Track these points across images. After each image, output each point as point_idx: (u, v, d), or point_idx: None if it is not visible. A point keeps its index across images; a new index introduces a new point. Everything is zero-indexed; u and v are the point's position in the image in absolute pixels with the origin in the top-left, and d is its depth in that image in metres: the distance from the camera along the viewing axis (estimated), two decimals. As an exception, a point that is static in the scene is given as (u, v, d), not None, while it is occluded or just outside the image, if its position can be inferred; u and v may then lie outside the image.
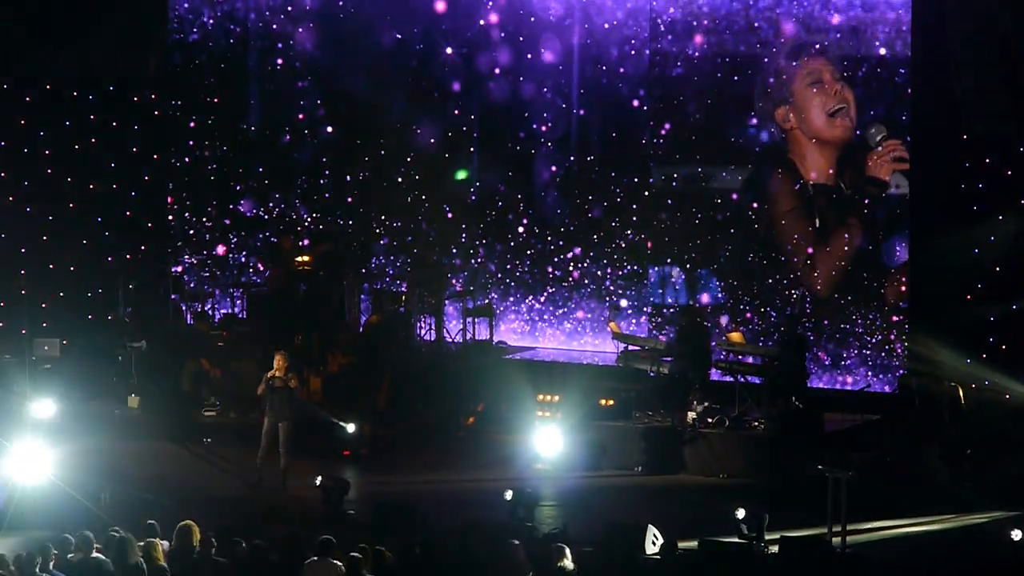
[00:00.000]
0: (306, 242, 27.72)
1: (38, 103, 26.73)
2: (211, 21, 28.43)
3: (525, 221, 27.76)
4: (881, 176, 25.49)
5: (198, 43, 28.45)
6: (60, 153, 26.83)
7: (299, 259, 26.67)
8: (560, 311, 27.59)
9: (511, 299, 27.82)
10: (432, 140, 27.86)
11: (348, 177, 28.48)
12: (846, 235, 25.55)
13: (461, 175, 27.93)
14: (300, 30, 28.27)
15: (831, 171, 25.69)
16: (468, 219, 28.04)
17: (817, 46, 25.50)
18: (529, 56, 27.33)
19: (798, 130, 25.77)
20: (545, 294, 27.64)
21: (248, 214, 28.73)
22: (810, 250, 25.78)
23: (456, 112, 27.81)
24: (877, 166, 25.42)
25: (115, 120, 27.40)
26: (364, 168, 28.34)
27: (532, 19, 27.24)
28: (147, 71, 27.87)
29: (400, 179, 28.18)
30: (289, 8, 28.26)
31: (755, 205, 26.17)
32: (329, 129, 28.38)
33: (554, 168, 27.54)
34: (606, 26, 26.88)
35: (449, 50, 27.68)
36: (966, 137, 23.52)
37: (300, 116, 28.48)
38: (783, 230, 26.01)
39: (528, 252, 27.76)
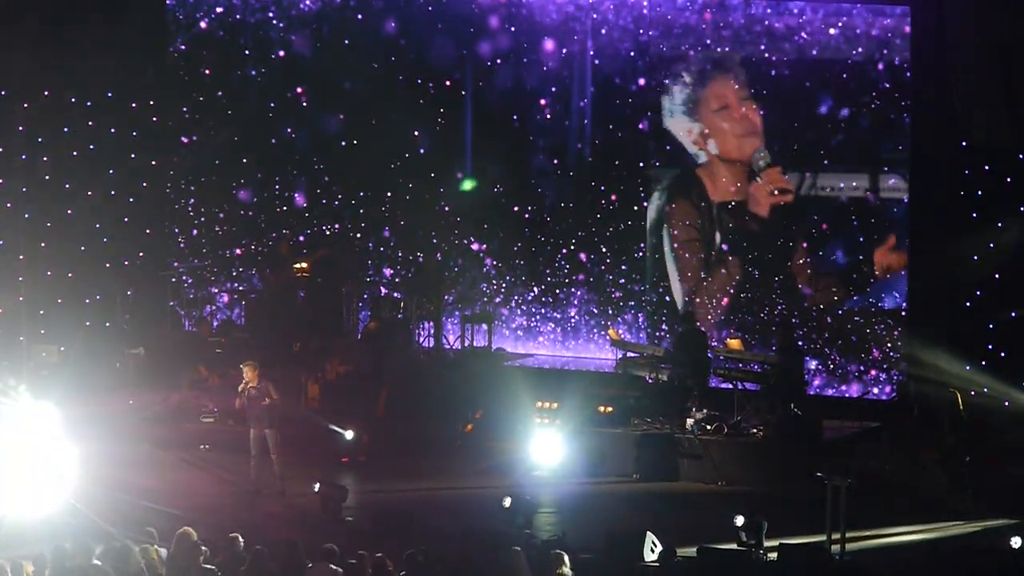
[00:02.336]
0: (301, 239, 27.81)
1: (36, 110, 26.72)
2: (208, 21, 28.43)
3: (526, 215, 27.72)
4: (759, 212, 25.65)
5: (195, 47, 28.43)
6: (58, 160, 26.81)
7: (297, 266, 26.66)
8: (557, 304, 27.54)
9: (507, 290, 27.77)
10: (433, 134, 27.87)
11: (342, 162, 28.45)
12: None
13: (468, 185, 27.89)
14: (295, 36, 28.27)
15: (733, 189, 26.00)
16: (464, 216, 28.00)
17: (723, 65, 25.70)
18: (525, 48, 27.34)
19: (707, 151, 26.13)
20: (542, 286, 27.57)
21: (249, 200, 28.63)
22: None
23: (450, 87, 27.73)
24: (755, 200, 25.62)
25: (113, 127, 27.40)
26: (362, 172, 28.31)
27: (534, 19, 27.24)
28: (145, 78, 27.88)
29: (398, 178, 28.19)
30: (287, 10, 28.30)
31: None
32: (325, 128, 28.40)
33: (556, 161, 27.48)
34: (605, 29, 26.90)
35: (438, 33, 27.70)
36: (965, 145, 23.53)
37: (296, 115, 28.50)
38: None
39: (520, 245, 27.71)
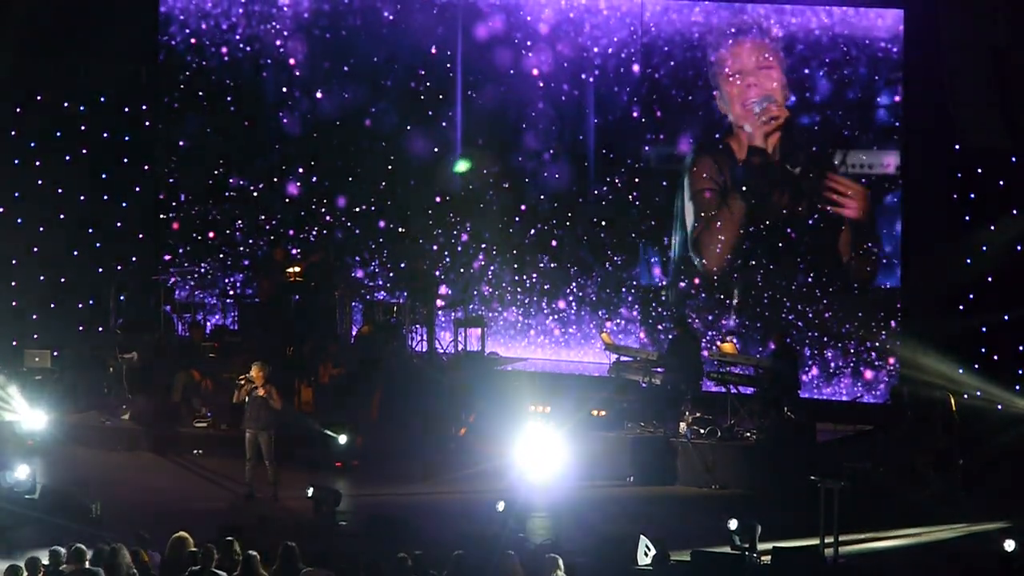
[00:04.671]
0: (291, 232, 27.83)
1: (29, 114, 26.71)
2: (203, 27, 28.41)
3: (522, 207, 27.73)
4: (757, 143, 25.81)
5: (190, 53, 28.42)
6: (51, 164, 26.80)
7: (291, 270, 26.62)
8: (552, 292, 27.51)
9: (498, 277, 27.78)
10: (423, 120, 27.89)
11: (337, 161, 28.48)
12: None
13: (462, 166, 27.84)
14: (291, 40, 28.27)
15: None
16: (456, 204, 28.02)
17: (746, 31, 25.65)
18: (519, 31, 27.37)
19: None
20: (536, 275, 27.56)
21: (245, 184, 28.61)
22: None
23: (440, 70, 27.78)
24: (751, 136, 25.85)
25: (106, 131, 27.39)
26: (355, 176, 28.36)
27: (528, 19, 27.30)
28: (138, 82, 27.86)
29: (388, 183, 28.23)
30: (282, 15, 28.27)
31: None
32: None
33: (551, 151, 27.43)
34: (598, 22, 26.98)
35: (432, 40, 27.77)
36: (959, 147, 23.55)
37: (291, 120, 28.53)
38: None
39: (512, 231, 27.76)
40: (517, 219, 27.69)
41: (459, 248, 27.98)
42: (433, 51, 27.68)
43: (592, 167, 27.22)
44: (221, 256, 28.74)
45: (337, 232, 28.50)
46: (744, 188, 25.95)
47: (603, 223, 27.16)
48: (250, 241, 28.74)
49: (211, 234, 28.70)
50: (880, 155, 25.14)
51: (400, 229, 28.22)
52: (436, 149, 27.88)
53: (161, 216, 28.63)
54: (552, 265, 27.53)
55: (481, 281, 27.87)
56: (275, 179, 28.67)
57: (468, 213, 27.94)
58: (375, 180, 28.23)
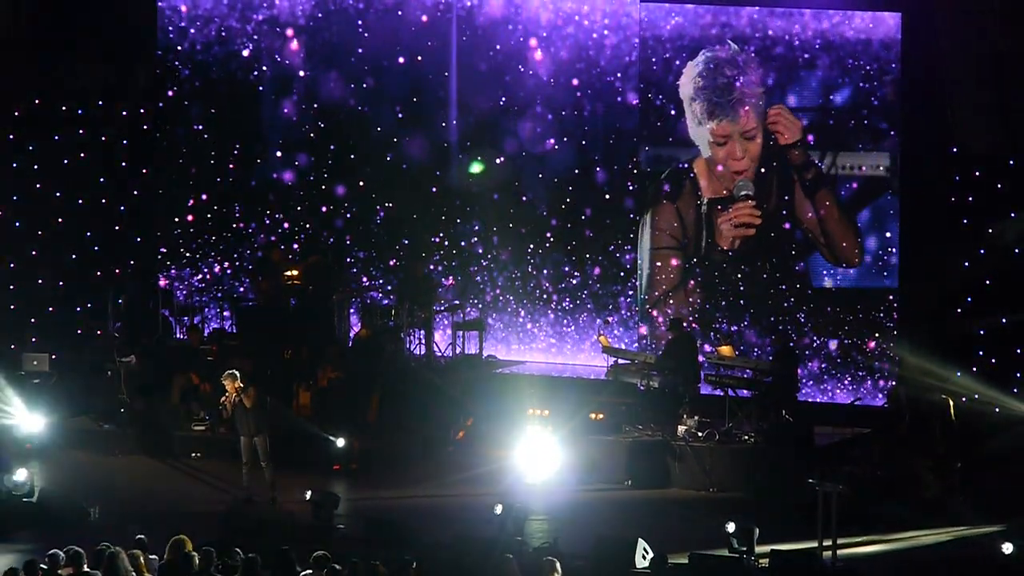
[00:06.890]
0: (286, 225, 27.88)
1: (26, 117, 26.71)
2: (200, 26, 28.41)
3: (523, 197, 27.72)
4: (720, 243, 25.68)
5: (186, 57, 28.39)
6: (48, 167, 26.79)
7: (288, 273, 26.63)
8: (555, 281, 27.55)
9: (497, 271, 27.81)
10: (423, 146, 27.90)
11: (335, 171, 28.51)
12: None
13: (476, 168, 27.84)
14: (290, 42, 28.26)
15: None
16: (453, 201, 28.06)
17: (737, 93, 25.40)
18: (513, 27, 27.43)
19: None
20: (530, 266, 27.57)
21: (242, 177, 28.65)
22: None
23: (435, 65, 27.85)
24: (719, 232, 25.65)
25: (103, 134, 27.39)
26: (354, 179, 28.37)
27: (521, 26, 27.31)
28: (135, 85, 27.86)
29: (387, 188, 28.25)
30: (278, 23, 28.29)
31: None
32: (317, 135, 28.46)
33: (551, 141, 27.41)
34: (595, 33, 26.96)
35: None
36: (956, 150, 23.57)
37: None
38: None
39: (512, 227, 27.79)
40: (516, 210, 27.65)
41: (453, 231, 27.96)
42: (431, 42, 27.70)
43: (594, 160, 27.20)
44: (214, 240, 28.70)
45: (337, 221, 28.48)
46: (702, 276, 26.01)
47: (603, 214, 27.15)
48: (241, 226, 28.71)
49: (189, 217, 28.61)
50: (871, 156, 25.09)
51: (388, 204, 28.15)
52: (438, 130, 27.88)
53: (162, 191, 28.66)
54: (552, 255, 27.49)
55: (472, 265, 27.88)
56: (273, 170, 28.64)
57: (467, 203, 27.93)
58: (373, 170, 28.21)
